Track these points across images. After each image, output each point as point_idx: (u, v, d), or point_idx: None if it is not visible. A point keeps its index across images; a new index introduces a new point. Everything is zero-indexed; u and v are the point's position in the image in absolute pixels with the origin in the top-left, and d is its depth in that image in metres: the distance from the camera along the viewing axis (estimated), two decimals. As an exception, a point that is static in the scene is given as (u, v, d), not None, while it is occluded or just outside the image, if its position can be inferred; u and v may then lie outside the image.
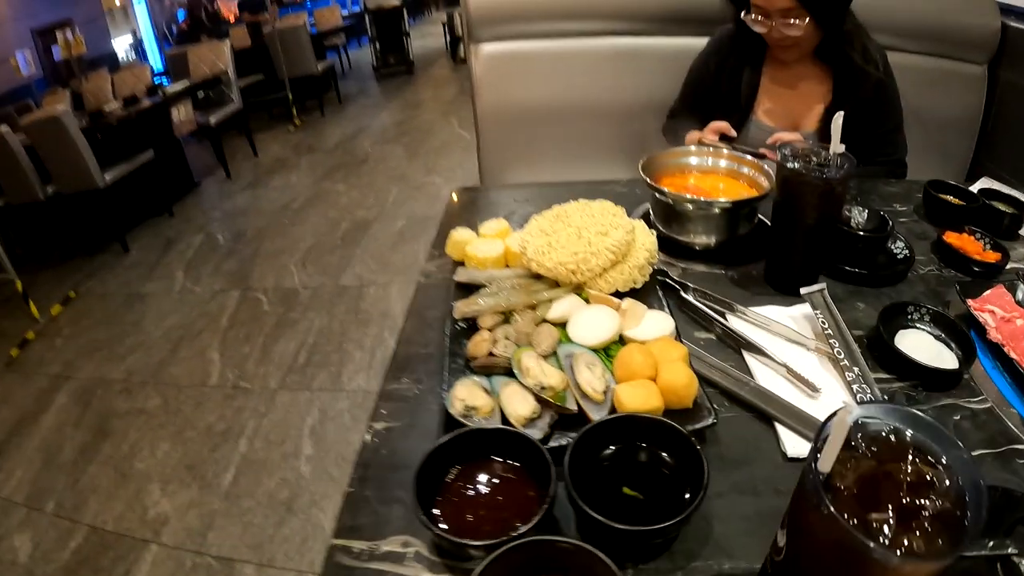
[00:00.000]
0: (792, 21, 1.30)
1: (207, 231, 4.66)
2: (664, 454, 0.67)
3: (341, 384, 2.80)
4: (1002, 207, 1.17)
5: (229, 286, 3.81)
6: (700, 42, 1.61)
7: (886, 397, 0.81)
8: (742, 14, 1.38)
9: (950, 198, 1.22)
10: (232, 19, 9.89)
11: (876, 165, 1.45)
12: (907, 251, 1.08)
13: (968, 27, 1.68)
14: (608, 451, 0.68)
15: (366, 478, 0.74)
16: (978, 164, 1.81)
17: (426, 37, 10.79)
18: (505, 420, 0.73)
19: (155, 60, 9.41)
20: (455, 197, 1.45)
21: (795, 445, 0.74)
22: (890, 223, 1.06)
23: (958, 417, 0.78)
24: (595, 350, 0.82)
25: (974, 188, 1.27)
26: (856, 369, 0.84)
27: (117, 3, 9.01)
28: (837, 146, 0.91)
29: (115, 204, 4.41)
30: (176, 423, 2.72)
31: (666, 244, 1.13)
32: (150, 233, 4.73)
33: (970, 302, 0.94)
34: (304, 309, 3.44)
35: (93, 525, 2.26)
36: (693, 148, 1.24)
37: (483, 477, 0.66)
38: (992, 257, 1.06)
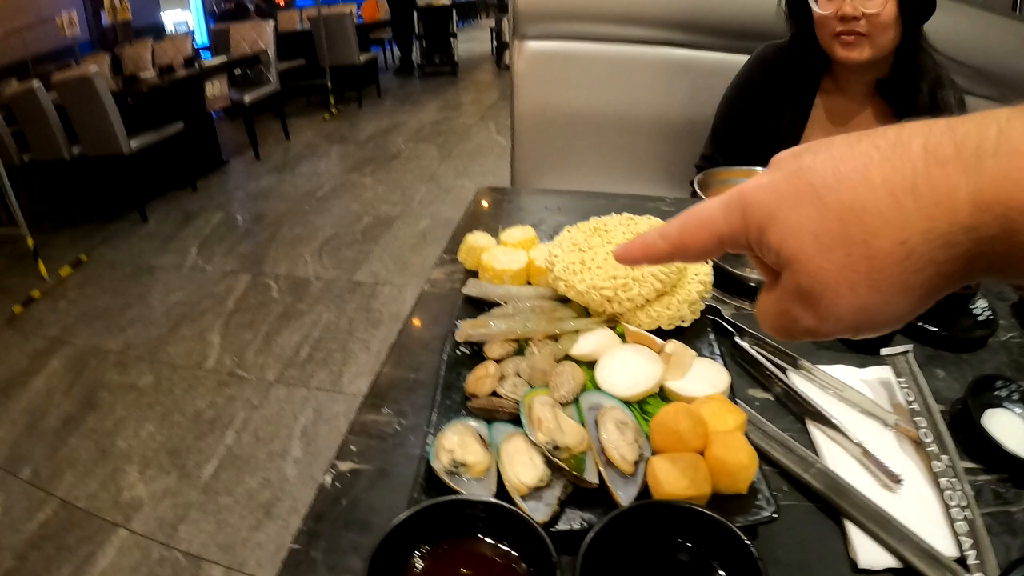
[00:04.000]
0: None
1: (227, 210, 4.59)
2: (713, 561, 0.50)
3: (341, 386, 2.64)
4: None
5: (241, 268, 3.70)
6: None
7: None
8: None
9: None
10: (282, 3, 9.91)
11: None
12: (990, 313, 0.91)
13: None
14: (634, 547, 0.50)
15: (316, 534, 0.59)
16: None
17: (473, 41, 10.78)
18: (503, 484, 0.56)
19: (201, 35, 9.46)
20: (480, 197, 1.30)
21: (869, 553, 0.57)
22: (975, 278, 0.90)
23: (1048, 525, 0.61)
24: (627, 403, 0.64)
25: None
26: (945, 458, 0.67)
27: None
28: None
29: (138, 172, 4.36)
30: (165, 404, 2.61)
31: (715, 276, 0.97)
32: (170, 206, 4.69)
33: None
34: (314, 301, 3.31)
35: (65, 499, 2.17)
36: (759, 169, 1.06)
37: (461, 566, 0.49)
38: (1077, 329, 0.89)
